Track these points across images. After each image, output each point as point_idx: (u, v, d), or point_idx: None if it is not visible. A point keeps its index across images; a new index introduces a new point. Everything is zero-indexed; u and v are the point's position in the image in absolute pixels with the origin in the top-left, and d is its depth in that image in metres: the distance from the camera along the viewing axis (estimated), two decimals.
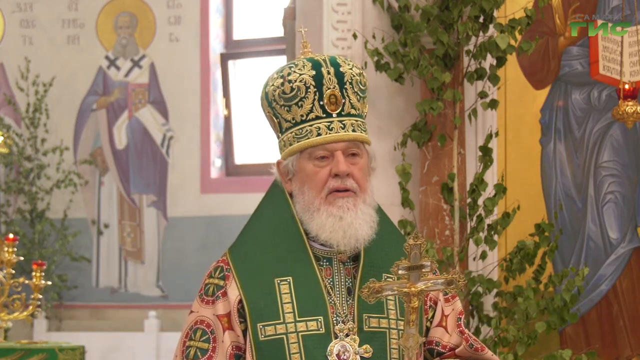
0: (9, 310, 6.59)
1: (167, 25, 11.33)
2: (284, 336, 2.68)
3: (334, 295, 2.75)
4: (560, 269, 5.46)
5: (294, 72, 2.78)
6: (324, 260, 2.78)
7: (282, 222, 2.80)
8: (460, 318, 2.89)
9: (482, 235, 5.24)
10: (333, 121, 2.77)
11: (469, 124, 5.39)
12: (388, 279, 2.59)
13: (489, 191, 5.29)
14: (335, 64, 2.81)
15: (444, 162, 5.29)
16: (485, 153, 5.27)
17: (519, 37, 5.25)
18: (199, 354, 2.74)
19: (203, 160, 11.13)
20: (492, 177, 5.39)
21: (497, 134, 5.40)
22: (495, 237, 5.27)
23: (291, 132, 2.79)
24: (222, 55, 11.31)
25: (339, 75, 2.79)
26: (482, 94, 5.32)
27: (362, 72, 2.88)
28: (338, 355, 2.68)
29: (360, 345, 2.70)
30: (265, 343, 2.69)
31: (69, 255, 11.03)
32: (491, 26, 5.24)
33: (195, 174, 11.09)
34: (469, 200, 5.29)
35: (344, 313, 2.72)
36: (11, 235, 6.70)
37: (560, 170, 5.68)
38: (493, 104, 5.33)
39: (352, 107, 2.81)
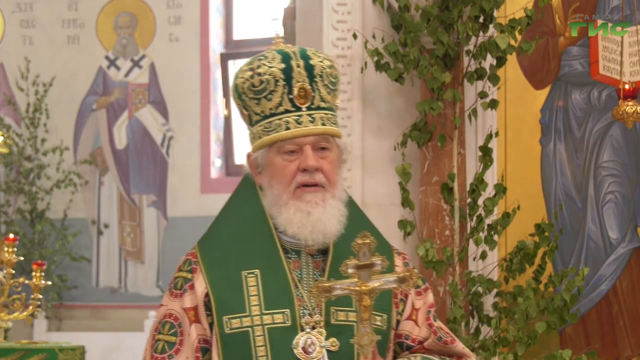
0: (9, 310, 6.59)
1: (167, 25, 11.34)
2: (250, 329, 2.67)
3: (302, 288, 2.72)
4: (560, 269, 5.46)
5: (264, 64, 2.76)
6: (293, 253, 2.76)
7: (251, 214, 2.78)
8: (431, 311, 2.86)
9: (482, 235, 5.24)
10: (302, 115, 2.73)
11: (469, 124, 5.39)
12: (340, 278, 2.57)
13: (489, 191, 5.29)
14: (305, 57, 2.79)
15: (444, 162, 5.29)
16: (485, 153, 5.27)
17: (519, 37, 5.25)
18: (166, 347, 2.74)
19: (203, 160, 11.14)
20: (492, 177, 5.39)
21: (497, 134, 5.40)
22: (495, 237, 5.27)
23: (261, 125, 2.76)
24: (222, 55, 11.31)
25: (309, 68, 2.76)
26: (482, 94, 5.32)
27: (332, 65, 2.83)
28: (304, 348, 2.66)
29: (327, 338, 2.68)
30: (231, 336, 2.67)
31: (69, 255, 11.04)
32: (491, 26, 5.24)
33: (195, 174, 11.10)
34: (469, 200, 5.28)
35: (311, 306, 2.70)
36: (11, 235, 6.71)
37: (560, 170, 5.68)
38: (493, 104, 5.33)
39: (322, 100, 2.76)
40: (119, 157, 11.41)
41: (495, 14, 5.26)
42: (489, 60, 5.29)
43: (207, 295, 2.72)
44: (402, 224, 5.23)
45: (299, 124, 2.72)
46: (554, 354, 5.15)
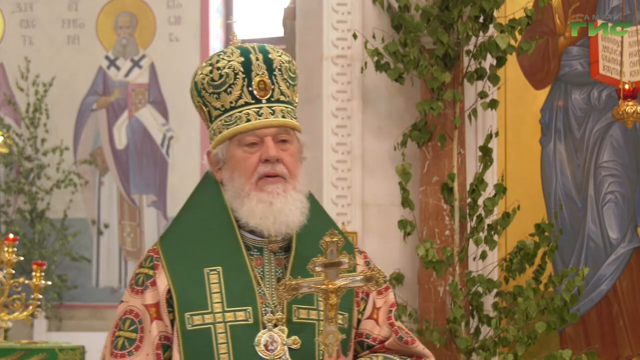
0: (9, 310, 6.59)
1: (167, 25, 11.34)
2: (212, 326, 2.65)
3: (264, 285, 2.71)
4: (560, 269, 5.46)
5: (223, 59, 2.75)
6: (255, 250, 2.75)
7: (213, 211, 2.77)
8: (392, 310, 2.85)
9: (482, 235, 5.24)
10: (262, 107, 2.73)
11: (469, 124, 5.39)
12: (303, 275, 2.56)
13: (489, 191, 5.29)
14: (264, 51, 2.77)
15: (444, 162, 5.29)
16: (485, 153, 5.27)
17: (519, 37, 5.25)
18: (126, 344, 2.72)
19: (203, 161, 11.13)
20: (492, 177, 5.39)
21: (497, 134, 5.40)
22: (495, 237, 5.27)
23: (220, 120, 2.76)
24: None
25: (268, 62, 2.75)
26: (482, 94, 5.32)
27: (291, 60, 2.82)
28: (266, 345, 2.65)
29: (288, 336, 2.67)
30: (193, 332, 2.66)
31: (69, 255, 11.04)
32: (491, 26, 5.24)
33: (195, 174, 11.09)
34: (469, 200, 5.28)
35: (273, 303, 2.69)
36: (11, 235, 6.70)
37: (560, 170, 5.68)
38: (493, 104, 5.33)
39: (282, 93, 2.76)
40: (119, 157, 11.41)
41: (495, 14, 5.26)
42: (489, 60, 5.29)
43: (169, 291, 2.70)
44: (402, 224, 5.23)
45: (260, 115, 2.72)
46: (554, 354, 5.15)
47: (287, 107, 2.77)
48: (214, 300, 2.67)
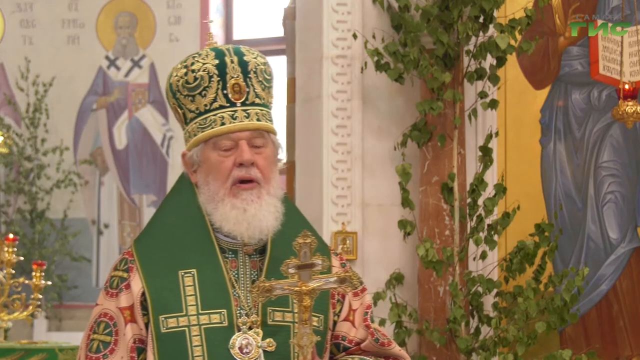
0: (9, 310, 6.58)
1: (167, 25, 11.33)
2: (186, 329, 2.64)
3: (239, 288, 2.70)
4: (560, 269, 5.46)
5: (197, 61, 2.73)
6: (230, 252, 2.74)
7: (188, 213, 2.76)
8: (368, 312, 2.84)
9: (482, 235, 5.24)
10: (237, 110, 2.71)
11: (469, 124, 5.39)
12: (278, 278, 2.54)
13: (489, 191, 5.29)
14: (239, 53, 2.75)
15: (444, 162, 5.29)
16: (485, 153, 5.27)
17: (519, 37, 5.25)
18: (101, 347, 2.70)
19: None
20: (492, 177, 5.39)
21: (497, 134, 5.40)
22: (495, 237, 5.27)
23: (195, 123, 2.74)
24: None
25: (243, 64, 2.73)
26: (482, 94, 5.32)
27: (266, 62, 2.81)
28: (240, 348, 2.64)
29: (263, 338, 2.66)
30: (167, 335, 2.65)
31: (69, 255, 11.03)
32: (491, 26, 5.24)
33: None
34: (469, 200, 5.28)
35: (248, 306, 2.68)
36: (11, 235, 6.70)
37: (560, 170, 5.68)
38: (493, 104, 5.33)
39: (257, 96, 2.74)
40: (119, 157, 11.41)
41: (495, 14, 5.26)
42: (489, 60, 5.29)
43: (143, 294, 2.69)
44: (402, 224, 5.23)
45: (234, 119, 2.71)
46: (554, 354, 5.15)
47: (262, 110, 2.75)
48: (188, 303, 2.66)
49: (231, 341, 2.65)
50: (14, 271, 6.63)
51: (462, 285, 5.20)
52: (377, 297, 5.27)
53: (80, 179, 11.27)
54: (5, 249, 6.52)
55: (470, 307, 5.25)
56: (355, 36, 5.39)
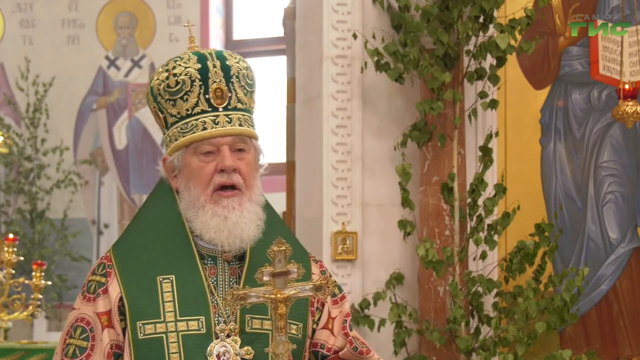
0: (9, 310, 6.59)
1: (167, 25, 11.33)
2: (164, 335, 2.62)
3: (217, 295, 2.68)
4: (560, 269, 5.46)
5: (179, 65, 2.70)
6: (209, 259, 2.71)
7: (167, 219, 2.73)
8: (347, 320, 2.83)
9: (482, 235, 5.24)
10: (219, 115, 2.68)
11: (469, 124, 5.39)
12: (257, 285, 2.51)
13: (489, 191, 5.29)
14: (221, 58, 2.72)
15: (444, 162, 5.29)
16: (485, 153, 5.27)
17: (519, 37, 5.25)
18: (77, 352, 2.68)
19: None
20: (492, 177, 5.39)
21: (497, 134, 5.40)
22: (495, 237, 5.27)
23: (177, 127, 2.70)
24: None
25: (225, 69, 2.70)
26: (482, 94, 5.32)
27: (249, 67, 2.77)
28: (218, 356, 2.62)
29: (241, 346, 2.64)
30: (144, 342, 2.62)
31: (69, 255, 11.03)
32: (491, 26, 5.24)
33: None
34: (469, 200, 5.28)
35: (226, 313, 2.66)
36: (11, 235, 6.70)
37: (560, 170, 5.69)
38: (493, 104, 5.33)
39: (239, 101, 2.71)
40: (119, 157, 11.41)
41: (495, 14, 5.26)
42: (489, 60, 5.29)
43: (121, 299, 2.67)
44: (402, 224, 5.23)
45: (216, 124, 2.68)
46: (554, 354, 5.15)
47: (244, 115, 2.72)
48: (166, 309, 2.64)
49: (209, 349, 2.63)
50: (14, 271, 6.63)
51: (462, 285, 5.20)
52: (377, 297, 5.27)
53: (80, 179, 11.27)
54: (5, 249, 6.52)
55: (470, 307, 5.25)
56: (355, 36, 5.39)
